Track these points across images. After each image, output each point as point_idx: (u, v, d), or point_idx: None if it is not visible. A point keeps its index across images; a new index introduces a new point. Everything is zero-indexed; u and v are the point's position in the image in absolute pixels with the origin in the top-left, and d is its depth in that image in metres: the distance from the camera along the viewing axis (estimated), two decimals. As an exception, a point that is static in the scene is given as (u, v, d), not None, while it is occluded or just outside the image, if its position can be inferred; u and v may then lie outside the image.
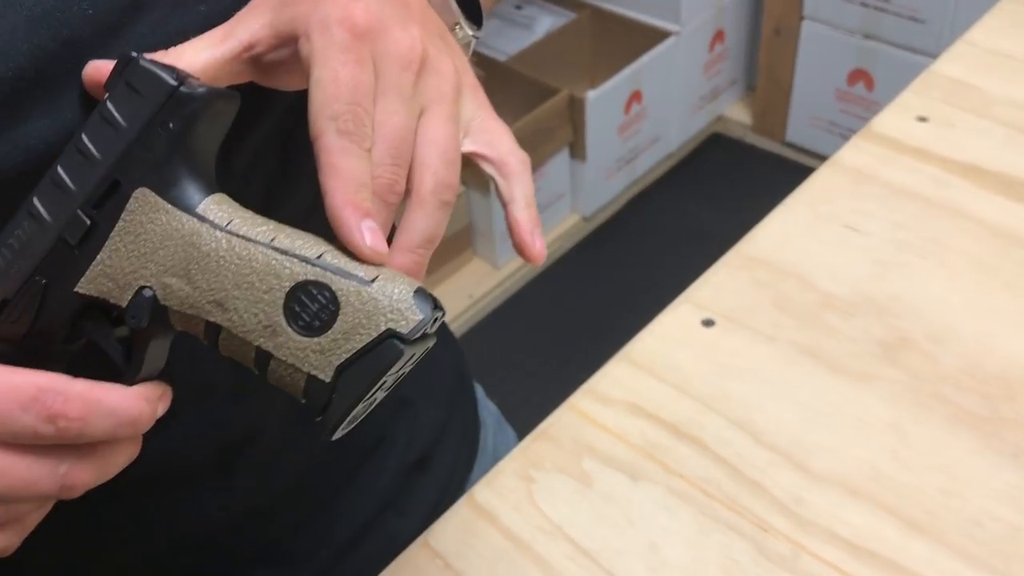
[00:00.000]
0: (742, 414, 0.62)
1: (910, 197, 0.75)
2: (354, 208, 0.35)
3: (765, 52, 2.25)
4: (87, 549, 0.52)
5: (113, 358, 0.37)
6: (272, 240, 0.35)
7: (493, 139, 0.41)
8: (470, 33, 0.47)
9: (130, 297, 0.36)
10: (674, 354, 0.66)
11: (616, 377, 0.65)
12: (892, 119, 0.83)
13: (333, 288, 0.34)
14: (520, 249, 0.41)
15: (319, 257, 0.35)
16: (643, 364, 0.66)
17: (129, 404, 0.36)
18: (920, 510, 0.56)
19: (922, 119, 0.83)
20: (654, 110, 2.20)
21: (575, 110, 2.02)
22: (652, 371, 0.65)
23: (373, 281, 0.34)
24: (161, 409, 0.37)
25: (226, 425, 0.51)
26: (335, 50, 0.36)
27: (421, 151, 0.37)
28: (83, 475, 0.36)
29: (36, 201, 0.37)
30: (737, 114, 2.43)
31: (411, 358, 0.35)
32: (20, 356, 0.37)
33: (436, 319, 0.35)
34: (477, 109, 0.41)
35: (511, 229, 0.41)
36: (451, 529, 0.58)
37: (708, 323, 0.68)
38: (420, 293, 0.34)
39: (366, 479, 0.63)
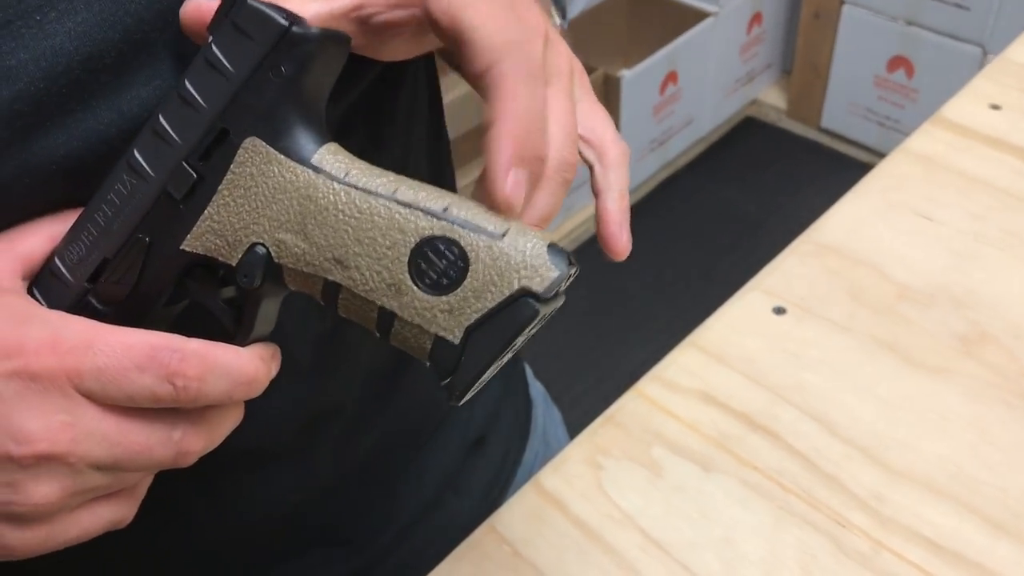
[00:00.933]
0: (817, 406, 0.60)
1: (985, 187, 0.73)
2: (515, 151, 0.33)
3: (803, 36, 2.22)
4: (157, 528, 0.50)
5: (221, 320, 0.36)
6: (394, 192, 0.33)
7: (597, 125, 0.40)
8: (558, 22, 0.47)
9: (240, 255, 0.34)
10: (745, 342, 0.64)
11: (684, 364, 0.63)
12: (964, 106, 0.81)
13: (462, 243, 0.32)
14: (605, 240, 0.40)
15: (445, 210, 0.32)
16: (713, 352, 0.64)
17: (244, 364, 0.35)
18: (1005, 511, 0.54)
19: (995, 107, 0.80)
20: (689, 92, 2.17)
21: (610, 89, 2.00)
22: (722, 359, 0.63)
23: (504, 235, 0.32)
24: (274, 370, 0.36)
25: (305, 404, 0.49)
26: (524, 75, 0.35)
27: (547, 126, 0.36)
28: (197, 441, 0.35)
29: (137, 154, 0.35)
30: (772, 98, 2.40)
31: (544, 318, 0.32)
32: (121, 319, 0.35)
33: (571, 276, 0.32)
34: (584, 93, 0.41)
35: (600, 218, 0.40)
36: (518, 515, 0.57)
37: (779, 311, 0.66)
38: (554, 248, 0.32)
39: (429, 459, 0.61)
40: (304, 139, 0.34)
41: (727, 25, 2.17)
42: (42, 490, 0.33)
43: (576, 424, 0.75)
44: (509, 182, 0.33)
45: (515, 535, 0.56)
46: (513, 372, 0.72)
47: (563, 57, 0.39)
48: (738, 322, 0.66)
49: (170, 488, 0.46)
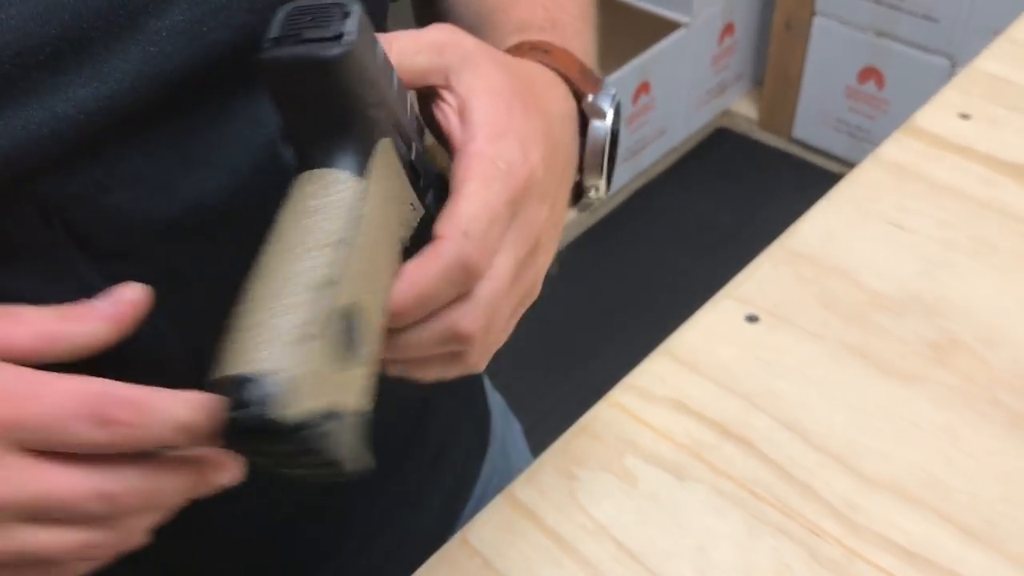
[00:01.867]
0: (790, 414, 0.60)
1: (955, 195, 0.73)
2: (395, 316, 0.36)
3: (775, 46, 2.24)
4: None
5: None
6: None
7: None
8: (603, 197, 0.49)
9: None
10: (718, 350, 0.64)
11: (658, 373, 0.63)
12: (934, 115, 0.81)
13: None
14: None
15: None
16: (686, 360, 0.64)
17: (180, 409, 0.33)
18: (978, 518, 0.54)
19: (964, 116, 0.81)
20: (662, 102, 2.17)
21: (583, 100, 2.00)
22: (696, 367, 0.63)
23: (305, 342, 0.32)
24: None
25: None
26: (497, 181, 0.37)
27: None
28: (132, 497, 0.33)
29: None
30: (744, 109, 2.41)
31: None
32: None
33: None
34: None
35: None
36: (491, 527, 0.56)
37: (752, 319, 0.66)
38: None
39: (385, 478, 0.61)
40: None
41: (699, 36, 2.18)
42: None
43: (547, 437, 0.74)
44: (396, 303, 0.35)
45: (487, 547, 0.55)
46: (472, 383, 0.72)
47: (534, 276, 0.40)
48: (711, 330, 0.65)
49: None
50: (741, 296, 0.68)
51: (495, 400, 0.76)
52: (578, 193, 0.48)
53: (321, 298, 0.31)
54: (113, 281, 0.35)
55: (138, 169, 0.39)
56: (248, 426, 0.29)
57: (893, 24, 2.02)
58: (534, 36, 0.49)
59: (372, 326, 0.34)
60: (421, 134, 0.40)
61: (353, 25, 0.33)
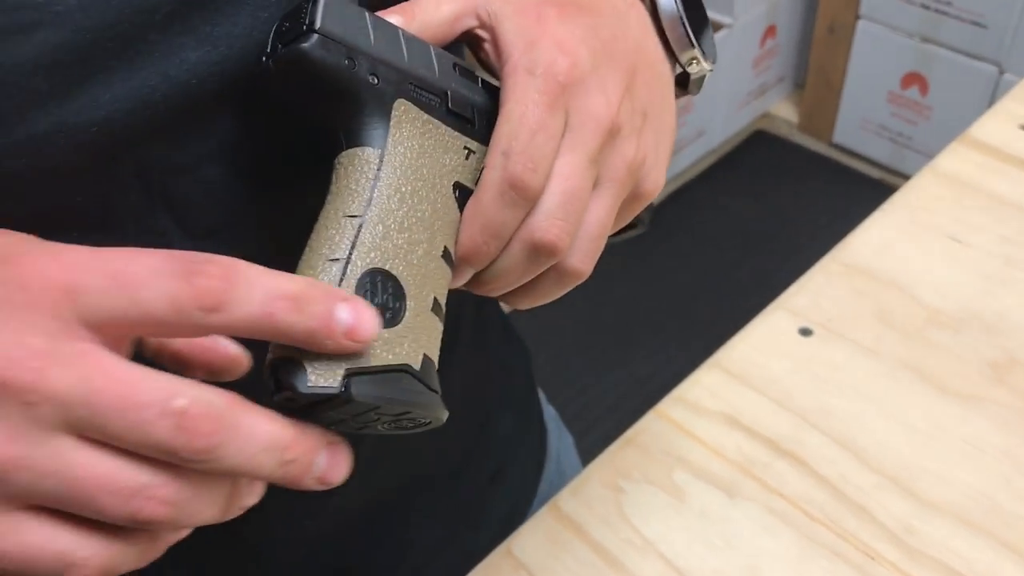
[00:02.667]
0: (845, 432, 0.58)
1: (1017, 209, 0.71)
2: (472, 256, 0.36)
3: (817, 50, 2.21)
4: (164, 564, 0.48)
5: None
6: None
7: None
8: (707, 68, 0.45)
9: None
10: (771, 364, 0.62)
11: (708, 386, 0.62)
12: (992, 126, 0.79)
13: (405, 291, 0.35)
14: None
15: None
16: (737, 373, 0.62)
17: (284, 279, 0.30)
18: (1041, 547, 0.53)
19: (1025, 128, 0.79)
20: (701, 103, 2.15)
21: (622, 100, 1.98)
22: (747, 381, 0.62)
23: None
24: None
25: None
26: (532, 89, 0.36)
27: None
28: (206, 421, 0.28)
29: None
30: (783, 112, 2.39)
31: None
32: None
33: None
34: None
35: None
36: (535, 539, 0.55)
37: (806, 332, 0.64)
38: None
39: (445, 497, 0.59)
40: None
41: (741, 37, 2.15)
42: None
43: (591, 449, 0.73)
44: (465, 244, 0.36)
45: (532, 559, 0.54)
46: (529, 397, 0.70)
47: (624, 161, 0.38)
48: (763, 343, 0.64)
49: None
50: (794, 308, 0.66)
51: (549, 414, 0.75)
52: (684, 77, 0.46)
53: (337, 273, 0.33)
54: None
55: (241, 143, 0.38)
56: (288, 407, 0.31)
57: (939, 29, 1.98)
58: None
59: (411, 282, 0.35)
60: (471, 79, 0.40)
61: (318, 13, 0.34)
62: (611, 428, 0.61)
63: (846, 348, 0.63)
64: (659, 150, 0.41)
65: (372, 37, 0.36)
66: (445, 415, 0.35)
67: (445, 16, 0.39)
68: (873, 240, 0.70)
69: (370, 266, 0.34)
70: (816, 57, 2.22)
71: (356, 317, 0.31)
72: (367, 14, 0.37)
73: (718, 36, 2.09)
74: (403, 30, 0.38)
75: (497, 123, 0.37)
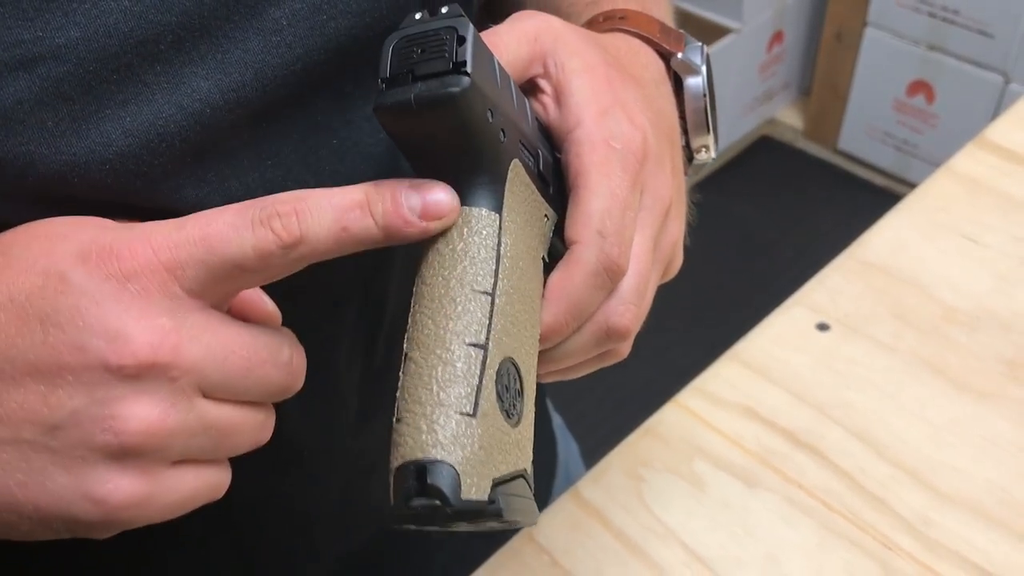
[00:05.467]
0: (863, 426, 0.59)
1: (1031, 211, 0.72)
2: (550, 336, 0.35)
3: (824, 56, 2.22)
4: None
5: None
6: None
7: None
8: (711, 157, 0.46)
9: None
10: (789, 358, 0.63)
11: (727, 378, 0.62)
12: (1007, 129, 0.80)
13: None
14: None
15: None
16: (755, 366, 0.63)
17: (343, 191, 0.31)
18: (1057, 540, 0.53)
19: (1039, 131, 0.79)
20: (707, 108, 2.16)
21: (630, 103, 1.99)
22: (766, 374, 0.62)
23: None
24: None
25: (348, 454, 0.48)
26: (617, 165, 0.35)
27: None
28: (303, 364, 0.33)
29: None
30: (789, 118, 2.39)
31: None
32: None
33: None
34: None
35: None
36: (557, 524, 0.56)
37: (823, 327, 0.65)
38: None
39: None
40: None
41: (748, 42, 2.16)
42: (141, 411, 0.29)
43: (591, 454, 0.73)
44: (548, 323, 0.35)
45: (554, 544, 0.55)
46: (539, 408, 0.70)
47: (672, 237, 0.38)
48: (781, 337, 0.65)
49: (209, 554, 0.45)
50: (811, 304, 0.67)
51: (556, 422, 0.74)
52: (687, 157, 0.46)
53: (477, 363, 0.30)
54: None
55: (265, 176, 0.37)
56: (428, 515, 0.29)
57: (946, 38, 1.99)
58: (607, 5, 0.46)
59: (527, 375, 0.32)
60: (546, 136, 0.37)
61: (468, 52, 0.30)
62: (613, 431, 0.61)
63: (863, 344, 0.64)
64: (683, 230, 0.42)
65: (499, 84, 0.33)
66: (537, 520, 0.33)
67: (521, 58, 0.37)
68: (889, 239, 0.71)
69: (504, 354, 0.31)
70: (823, 64, 2.23)
71: (423, 194, 0.31)
72: (494, 56, 0.33)
73: (725, 41, 2.10)
74: (512, 77, 0.35)
75: (583, 196, 0.35)
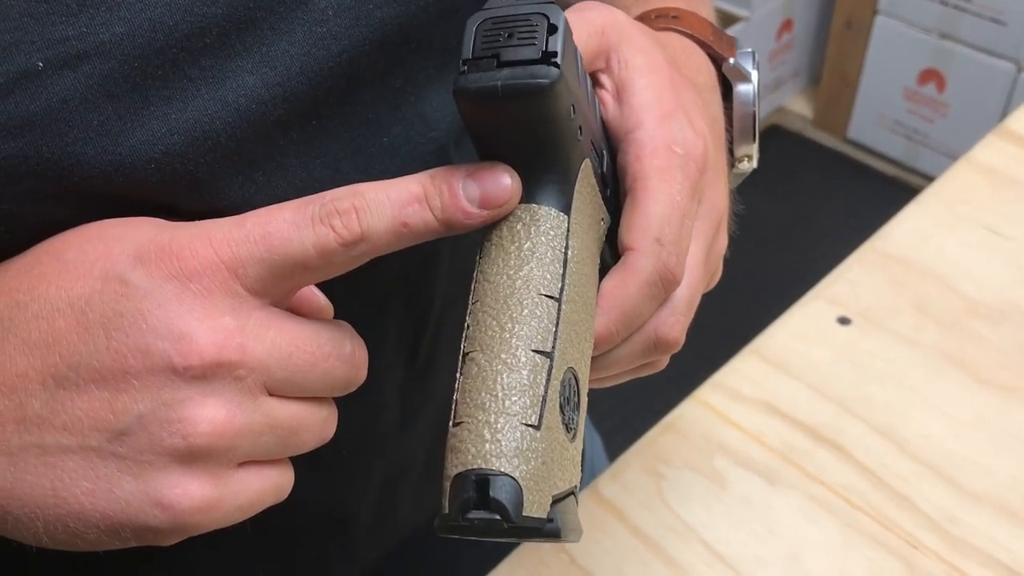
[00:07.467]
0: (885, 421, 0.58)
1: (1053, 202, 0.71)
2: (601, 344, 0.34)
3: (834, 45, 2.20)
4: None
5: None
6: None
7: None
8: (751, 168, 0.45)
9: None
10: (809, 352, 0.62)
11: (746, 373, 0.61)
12: (1028, 119, 0.79)
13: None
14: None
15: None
16: (775, 361, 0.62)
17: (401, 184, 0.30)
18: (1085, 538, 0.52)
19: (1061, 121, 0.78)
20: (716, 97, 2.15)
21: (638, 91, 1.98)
22: (786, 369, 0.61)
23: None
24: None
25: (384, 456, 0.48)
26: (678, 171, 0.34)
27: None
28: (365, 358, 0.32)
29: None
30: (798, 107, 2.38)
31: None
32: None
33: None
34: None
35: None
36: (575, 522, 0.55)
37: (844, 321, 0.64)
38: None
39: None
40: None
41: (757, 30, 2.14)
42: (208, 412, 0.28)
43: (608, 449, 0.73)
44: (599, 331, 0.33)
45: (573, 543, 0.54)
46: None
47: (719, 206, 0.37)
48: (801, 331, 0.64)
49: (246, 553, 0.44)
50: (831, 297, 0.66)
51: None
52: (728, 165, 0.44)
53: (543, 372, 0.29)
54: None
55: (313, 175, 0.36)
56: (483, 528, 0.28)
57: (957, 26, 1.98)
58: (657, 3, 0.45)
59: (583, 386, 0.31)
60: (608, 137, 0.36)
61: (560, 42, 0.28)
62: (626, 425, 0.60)
63: (885, 338, 0.63)
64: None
65: (580, 79, 0.31)
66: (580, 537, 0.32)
67: (589, 51, 0.35)
68: (910, 231, 0.70)
69: (567, 364, 0.30)
70: (832, 52, 2.21)
71: (482, 182, 0.30)
72: (578, 50, 0.31)
73: (734, 29, 2.08)
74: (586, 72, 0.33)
75: (642, 201, 0.33)
